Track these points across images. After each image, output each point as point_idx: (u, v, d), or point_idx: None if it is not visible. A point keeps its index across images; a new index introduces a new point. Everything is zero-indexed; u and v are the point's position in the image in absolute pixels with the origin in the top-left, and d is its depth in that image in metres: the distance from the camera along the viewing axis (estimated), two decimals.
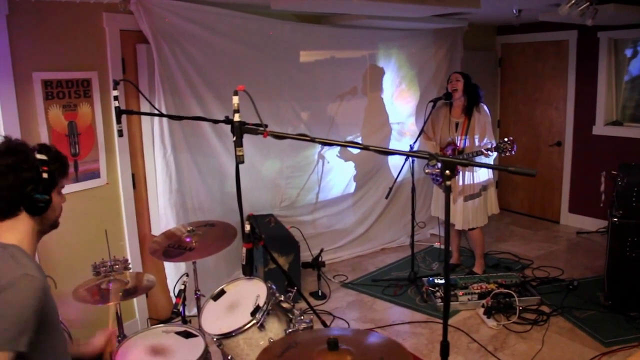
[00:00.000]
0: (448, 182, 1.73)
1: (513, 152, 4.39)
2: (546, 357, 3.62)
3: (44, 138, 3.38)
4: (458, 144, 4.65)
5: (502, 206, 7.21)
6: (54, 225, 1.95)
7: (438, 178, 4.85)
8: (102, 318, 3.63)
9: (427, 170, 4.85)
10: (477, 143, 4.61)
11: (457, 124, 4.69)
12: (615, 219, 4.13)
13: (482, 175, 4.72)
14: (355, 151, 5.56)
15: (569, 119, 6.34)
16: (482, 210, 4.78)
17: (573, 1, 3.78)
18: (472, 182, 4.70)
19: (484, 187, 4.75)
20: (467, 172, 4.71)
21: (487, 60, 6.94)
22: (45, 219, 1.87)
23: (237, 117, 2.15)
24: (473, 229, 4.83)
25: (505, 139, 4.43)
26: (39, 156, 1.80)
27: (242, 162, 2.15)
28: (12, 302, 1.61)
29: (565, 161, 6.46)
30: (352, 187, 5.67)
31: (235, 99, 2.13)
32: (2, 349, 1.57)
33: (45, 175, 1.80)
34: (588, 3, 3.83)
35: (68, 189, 3.54)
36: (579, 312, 4.21)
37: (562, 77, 6.35)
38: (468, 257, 5.30)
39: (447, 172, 1.72)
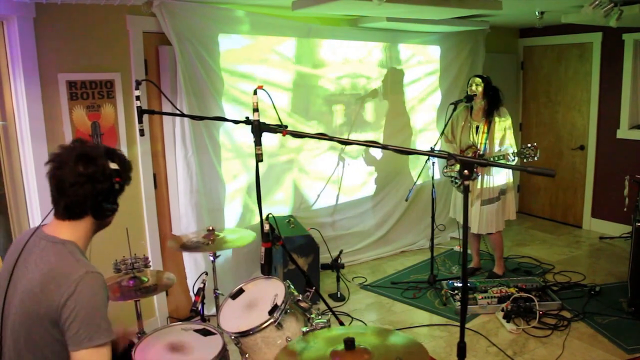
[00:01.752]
0: (467, 182, 1.73)
1: (536, 159, 4.35)
2: None
3: (68, 138, 3.45)
4: (478, 148, 4.62)
5: (523, 210, 7.19)
6: (108, 224, 2.00)
7: (457, 180, 4.82)
8: (122, 314, 3.69)
9: (445, 171, 4.82)
10: (497, 147, 4.58)
11: (477, 127, 4.66)
12: (639, 224, 4.06)
13: (501, 179, 4.68)
14: (378, 156, 5.57)
15: (593, 122, 6.25)
16: (499, 215, 4.75)
17: (597, 2, 3.73)
18: (490, 186, 4.67)
19: (503, 190, 4.71)
20: (485, 176, 4.67)
21: (509, 62, 6.88)
22: (105, 222, 1.94)
23: (256, 117, 2.17)
24: (490, 233, 4.80)
25: (529, 145, 4.39)
26: (112, 165, 1.83)
27: (261, 160, 2.17)
28: (92, 301, 1.69)
29: (588, 165, 6.37)
30: (372, 190, 5.66)
31: (255, 98, 2.15)
32: (107, 340, 1.69)
33: (117, 186, 1.85)
34: (612, 4, 3.77)
35: None
36: (600, 318, 4.15)
37: (585, 79, 6.27)
38: (488, 261, 5.26)
39: (466, 171, 1.71)
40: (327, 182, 5.28)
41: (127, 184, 1.94)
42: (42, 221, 1.91)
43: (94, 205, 1.81)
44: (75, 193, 1.76)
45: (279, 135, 2.18)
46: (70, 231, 1.82)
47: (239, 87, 4.41)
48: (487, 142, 4.58)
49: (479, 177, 4.67)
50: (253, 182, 4.43)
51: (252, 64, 4.50)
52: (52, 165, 1.79)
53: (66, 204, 1.79)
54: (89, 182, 1.77)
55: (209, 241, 3.25)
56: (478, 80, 4.62)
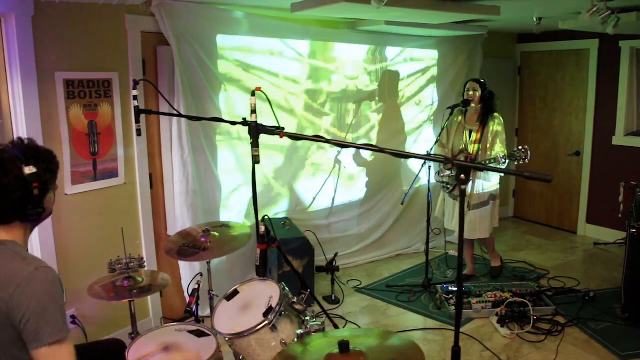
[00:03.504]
0: (463, 186, 1.73)
1: (527, 161, 4.36)
2: None
3: (65, 137, 3.44)
4: (470, 152, 4.63)
5: (518, 215, 7.20)
6: (48, 216, 1.96)
7: (448, 186, 4.83)
8: (116, 314, 3.68)
9: (441, 176, 4.83)
10: (488, 152, 4.59)
11: (470, 132, 4.67)
12: (633, 230, 4.07)
13: (492, 184, 4.71)
14: (369, 157, 5.57)
15: (589, 128, 6.27)
16: (489, 219, 4.76)
17: (594, 9, 3.74)
18: (480, 191, 4.69)
19: (492, 196, 4.73)
20: (477, 180, 4.69)
21: (507, 68, 6.90)
22: (40, 220, 1.90)
23: (253, 118, 2.17)
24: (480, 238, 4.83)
25: (520, 147, 4.40)
26: (27, 171, 1.76)
27: (258, 162, 2.17)
28: (44, 296, 1.65)
29: (583, 171, 6.39)
30: (368, 193, 5.66)
31: (253, 100, 2.15)
32: (68, 338, 1.67)
33: (36, 192, 1.79)
34: (610, 11, 3.79)
35: (87, 187, 3.61)
36: (594, 324, 4.16)
37: (582, 86, 6.30)
38: (482, 267, 5.27)
39: (462, 176, 1.71)
40: (323, 184, 5.27)
41: (53, 182, 1.89)
42: None
43: (17, 212, 1.78)
44: None
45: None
46: (5, 233, 1.79)
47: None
48: (480, 146, 4.59)
49: (471, 182, 4.68)
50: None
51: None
52: None
53: None
54: (1, 191, 1.73)
55: (206, 244, 3.21)
56: (476, 85, 4.63)
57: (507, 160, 4.44)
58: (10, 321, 1.64)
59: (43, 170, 1.82)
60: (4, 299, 1.63)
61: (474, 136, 4.63)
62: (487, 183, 4.69)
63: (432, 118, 5.94)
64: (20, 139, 1.86)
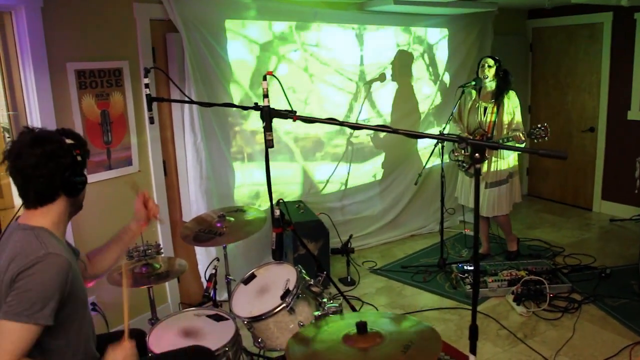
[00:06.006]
0: (478, 165, 1.73)
1: (547, 139, 4.32)
2: (577, 345, 3.59)
3: (78, 127, 3.46)
4: (486, 130, 4.59)
5: (533, 193, 7.17)
6: (81, 206, 2.03)
7: (464, 164, 4.80)
8: (135, 301, 3.73)
9: (455, 154, 4.79)
10: (505, 130, 4.55)
11: (485, 109, 4.63)
12: None
13: (511, 161, 4.67)
14: (382, 137, 5.55)
15: (603, 103, 6.19)
16: (507, 197, 4.73)
17: None
18: (498, 168, 4.65)
19: (511, 174, 4.70)
20: (494, 158, 4.65)
21: (518, 44, 6.81)
22: (78, 200, 1.97)
23: (265, 102, 2.17)
24: (497, 215, 4.80)
25: (539, 125, 4.36)
26: (68, 141, 1.88)
27: (272, 146, 2.18)
28: (37, 279, 1.70)
29: (598, 147, 6.33)
30: (381, 174, 5.66)
31: (264, 84, 2.15)
32: (28, 322, 1.67)
33: (79, 158, 1.89)
34: None
35: (101, 176, 3.64)
36: (611, 301, 4.14)
37: (595, 61, 6.20)
38: (497, 247, 5.26)
39: (477, 155, 1.71)
40: (336, 167, 5.28)
41: (87, 157, 1.97)
42: (16, 214, 1.94)
43: (64, 182, 1.84)
44: (41, 174, 1.79)
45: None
46: (42, 218, 1.85)
47: None
48: (496, 123, 4.55)
49: (486, 160, 4.65)
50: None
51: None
52: (10, 159, 1.81)
53: (36, 189, 1.81)
54: (51, 159, 1.80)
55: (222, 229, 3.22)
56: (490, 61, 4.57)
57: (527, 139, 4.41)
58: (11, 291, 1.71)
59: (80, 144, 1.93)
60: (14, 270, 1.70)
61: (489, 114, 4.58)
62: (505, 161, 4.64)
63: (444, 96, 5.89)
64: (27, 127, 1.93)
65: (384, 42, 5.37)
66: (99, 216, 3.65)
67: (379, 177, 5.66)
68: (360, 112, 5.32)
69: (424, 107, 5.80)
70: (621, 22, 5.84)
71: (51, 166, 1.80)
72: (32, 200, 1.84)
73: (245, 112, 4.35)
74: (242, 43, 4.37)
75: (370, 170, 5.59)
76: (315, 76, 4.92)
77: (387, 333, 1.85)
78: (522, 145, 4.48)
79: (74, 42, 3.43)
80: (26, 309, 1.67)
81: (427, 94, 5.81)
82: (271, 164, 2.58)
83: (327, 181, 5.25)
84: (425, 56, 5.73)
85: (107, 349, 1.90)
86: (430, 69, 5.81)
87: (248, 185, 4.60)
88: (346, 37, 5.07)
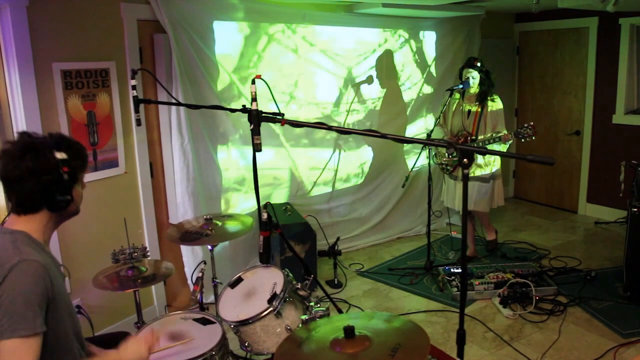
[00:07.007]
0: (466, 171, 1.73)
1: (534, 138, 4.36)
2: (563, 347, 3.61)
3: (64, 128, 3.42)
4: (470, 132, 4.62)
5: (519, 195, 7.21)
6: (75, 213, 1.98)
7: (448, 167, 4.82)
8: (121, 304, 3.70)
9: (435, 161, 4.83)
10: (488, 132, 4.58)
11: (469, 112, 4.66)
12: (634, 209, 4.07)
13: (496, 163, 4.70)
14: (369, 140, 5.55)
15: (588, 107, 6.25)
16: (488, 196, 4.76)
17: None
18: (479, 173, 4.70)
19: (493, 175, 4.73)
20: (479, 157, 4.69)
21: (505, 48, 6.86)
22: (66, 213, 1.90)
23: (254, 106, 2.16)
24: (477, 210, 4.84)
25: (525, 125, 4.39)
26: (58, 155, 1.79)
27: (260, 150, 2.17)
28: (17, 288, 1.65)
29: (584, 150, 6.38)
30: (369, 176, 5.66)
31: (253, 87, 2.14)
32: (28, 334, 1.62)
33: (66, 176, 1.80)
34: None
35: (87, 178, 3.57)
36: (596, 303, 4.18)
37: (581, 64, 6.26)
38: (483, 248, 5.29)
39: (465, 160, 1.71)
40: (323, 169, 5.27)
41: (82, 171, 1.91)
42: (5, 218, 1.88)
43: (46, 198, 1.78)
44: (21, 187, 1.74)
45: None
46: (25, 223, 1.80)
47: None
48: (480, 126, 4.58)
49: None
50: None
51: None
52: (1, 162, 1.76)
53: (17, 198, 1.77)
54: (33, 175, 1.73)
55: (208, 231, 3.23)
56: (472, 71, 4.56)
57: (511, 140, 4.44)
58: None
59: (73, 157, 1.84)
60: None
61: (473, 116, 4.62)
62: (486, 164, 4.69)
63: (432, 100, 5.91)
64: (50, 133, 1.87)
65: (371, 38, 5.38)
66: (85, 218, 3.61)
67: (366, 179, 5.66)
68: (347, 114, 5.31)
69: (410, 110, 5.80)
70: (606, 26, 5.90)
71: (32, 181, 1.74)
72: (15, 208, 1.80)
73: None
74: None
75: (359, 172, 5.59)
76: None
77: (375, 336, 1.85)
78: (508, 145, 4.52)
79: (60, 41, 3.39)
80: (19, 322, 1.62)
81: (413, 97, 5.82)
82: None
83: (314, 183, 5.24)
84: (413, 59, 5.75)
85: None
86: (418, 72, 5.82)
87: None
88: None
